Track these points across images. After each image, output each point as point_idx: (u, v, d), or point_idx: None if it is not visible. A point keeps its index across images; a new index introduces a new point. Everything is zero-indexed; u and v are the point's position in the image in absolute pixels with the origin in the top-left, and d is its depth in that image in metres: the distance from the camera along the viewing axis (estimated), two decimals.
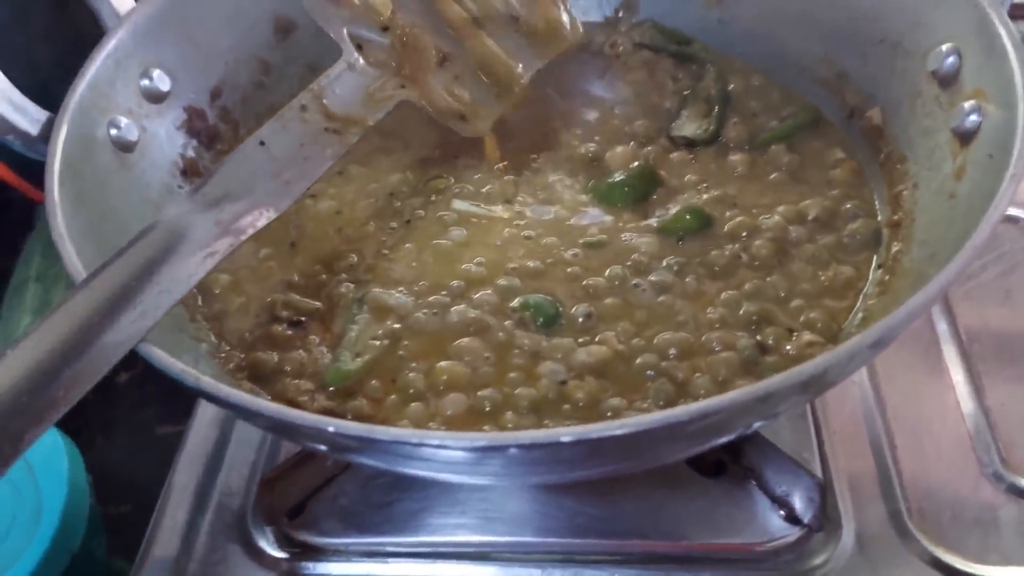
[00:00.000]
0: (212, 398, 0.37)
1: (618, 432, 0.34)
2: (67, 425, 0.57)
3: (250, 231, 0.48)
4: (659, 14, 0.69)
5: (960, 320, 0.63)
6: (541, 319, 0.51)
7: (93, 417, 0.71)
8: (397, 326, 0.52)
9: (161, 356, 0.39)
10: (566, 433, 0.33)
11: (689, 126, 0.62)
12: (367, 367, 0.50)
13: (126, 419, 0.72)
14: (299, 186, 0.52)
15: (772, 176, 0.58)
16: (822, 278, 0.52)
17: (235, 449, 0.60)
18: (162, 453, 0.61)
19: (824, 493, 0.51)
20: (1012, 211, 0.69)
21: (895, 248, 0.51)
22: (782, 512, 0.53)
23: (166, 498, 0.58)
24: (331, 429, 0.34)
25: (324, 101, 0.55)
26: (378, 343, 0.51)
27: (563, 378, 0.48)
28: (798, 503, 0.52)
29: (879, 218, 0.55)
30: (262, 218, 0.49)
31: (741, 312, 0.50)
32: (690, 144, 0.61)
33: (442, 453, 0.34)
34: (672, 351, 0.49)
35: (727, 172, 0.59)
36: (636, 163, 0.59)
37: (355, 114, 0.56)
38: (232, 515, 0.57)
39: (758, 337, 0.49)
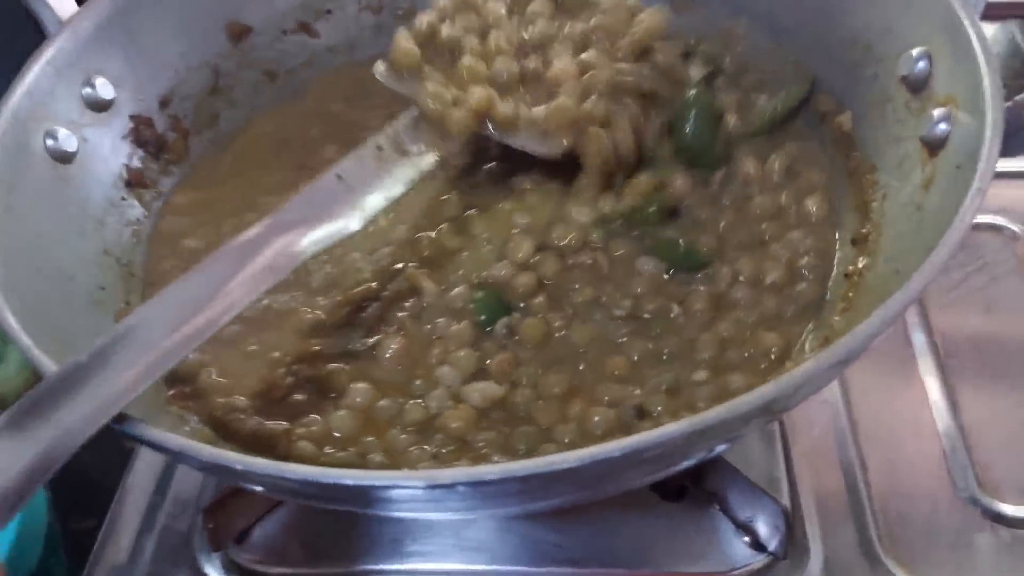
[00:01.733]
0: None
1: (546, 469, 0.32)
2: None
3: (329, 242, 0.49)
4: None
5: (938, 332, 0.61)
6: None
7: None
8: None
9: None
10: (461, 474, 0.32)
11: None
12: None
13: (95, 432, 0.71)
14: (373, 206, 0.52)
15: None
16: None
17: (184, 468, 0.58)
18: None
19: (789, 520, 0.50)
20: (995, 220, 0.67)
21: (861, 263, 0.49)
22: (747, 538, 0.51)
23: (114, 516, 0.57)
24: (239, 467, 0.32)
25: (399, 140, 0.54)
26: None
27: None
28: (762, 530, 0.50)
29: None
30: (341, 232, 0.50)
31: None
32: None
33: (351, 491, 0.33)
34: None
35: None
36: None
37: (429, 146, 0.55)
38: (179, 537, 0.55)
39: None
